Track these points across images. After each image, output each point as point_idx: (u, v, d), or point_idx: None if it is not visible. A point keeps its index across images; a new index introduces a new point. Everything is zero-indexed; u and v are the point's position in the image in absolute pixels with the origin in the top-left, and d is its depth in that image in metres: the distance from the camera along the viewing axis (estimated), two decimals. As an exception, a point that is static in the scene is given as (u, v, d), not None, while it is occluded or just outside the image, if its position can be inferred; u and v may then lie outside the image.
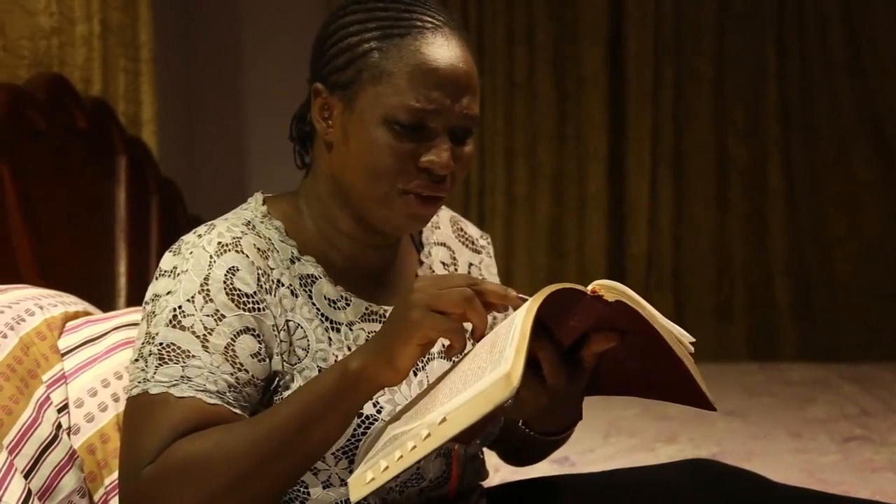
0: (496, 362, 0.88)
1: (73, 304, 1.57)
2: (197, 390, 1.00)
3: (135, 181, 2.48)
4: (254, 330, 1.04)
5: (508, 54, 4.58)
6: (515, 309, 0.94)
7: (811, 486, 2.15)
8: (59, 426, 1.33)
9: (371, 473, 0.92)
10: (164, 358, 1.02)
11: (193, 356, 1.01)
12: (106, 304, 2.06)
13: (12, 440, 1.26)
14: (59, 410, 1.35)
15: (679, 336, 1.00)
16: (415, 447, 0.89)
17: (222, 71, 4.18)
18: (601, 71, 4.57)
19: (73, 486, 1.30)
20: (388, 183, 1.07)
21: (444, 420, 0.88)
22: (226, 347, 1.02)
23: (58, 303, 1.51)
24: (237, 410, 1.01)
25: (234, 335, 1.03)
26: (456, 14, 4.31)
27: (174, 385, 1.00)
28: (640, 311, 0.95)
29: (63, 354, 1.41)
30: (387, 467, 0.90)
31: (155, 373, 1.01)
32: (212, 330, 1.02)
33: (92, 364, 1.42)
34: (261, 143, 4.14)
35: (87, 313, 1.56)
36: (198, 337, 1.02)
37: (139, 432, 1.00)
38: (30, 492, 1.25)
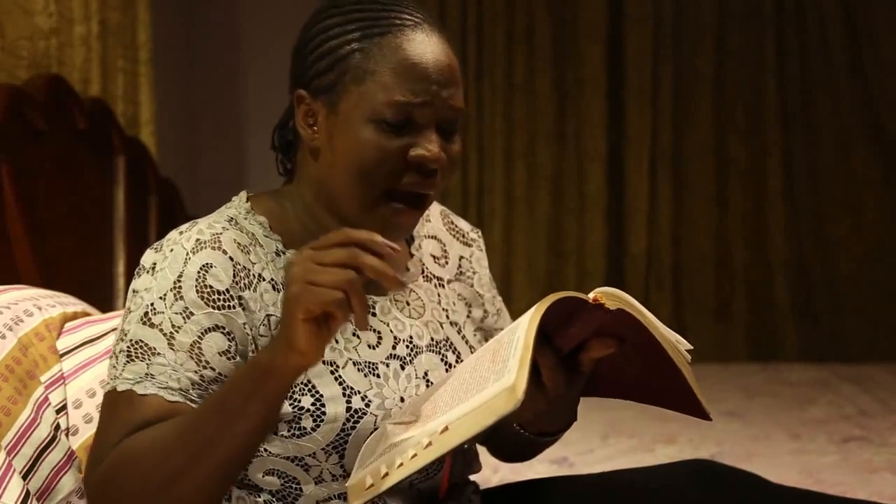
0: (499, 373, 0.88)
1: (72, 304, 1.57)
2: (159, 388, 1.01)
3: (133, 181, 2.48)
4: (223, 328, 1.04)
5: (508, 54, 4.58)
6: (383, 254, 0.90)
7: (810, 486, 2.15)
8: (58, 427, 1.33)
9: (371, 479, 0.91)
10: (131, 355, 1.03)
11: (159, 354, 1.02)
12: (104, 304, 2.06)
13: (11, 441, 1.26)
14: (58, 411, 1.35)
15: (677, 344, 1.00)
16: (415, 455, 0.89)
17: (221, 71, 4.18)
18: (600, 71, 4.57)
19: (71, 486, 1.30)
20: (375, 184, 1.06)
21: (445, 429, 0.88)
22: (191, 345, 1.02)
23: (56, 303, 1.51)
24: None
25: (202, 333, 1.03)
26: (448, 14, 4.37)
27: (138, 382, 1.01)
28: (640, 319, 0.96)
29: (62, 355, 1.41)
30: (386, 473, 0.90)
31: (123, 370, 1.03)
32: (179, 328, 1.03)
33: (90, 365, 1.42)
34: (259, 144, 4.12)
35: (85, 314, 1.56)
36: (165, 335, 1.02)
37: (103, 430, 1.02)
38: (28, 492, 1.25)
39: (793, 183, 4.55)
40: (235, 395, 0.95)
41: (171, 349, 1.02)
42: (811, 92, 4.51)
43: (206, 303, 1.03)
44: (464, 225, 1.32)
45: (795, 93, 4.53)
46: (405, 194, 1.08)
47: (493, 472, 2.16)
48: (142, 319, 1.04)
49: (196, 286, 1.04)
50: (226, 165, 4.15)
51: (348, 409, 1.06)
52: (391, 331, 1.14)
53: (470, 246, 1.30)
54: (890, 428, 2.94)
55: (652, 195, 4.61)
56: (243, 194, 1.17)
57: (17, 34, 2.23)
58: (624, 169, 4.64)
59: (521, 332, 0.89)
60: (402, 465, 0.89)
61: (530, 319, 0.90)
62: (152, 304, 1.04)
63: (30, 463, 1.27)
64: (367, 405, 1.06)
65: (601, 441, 2.81)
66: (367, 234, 0.91)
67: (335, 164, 1.08)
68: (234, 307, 1.05)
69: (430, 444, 0.88)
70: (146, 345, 1.03)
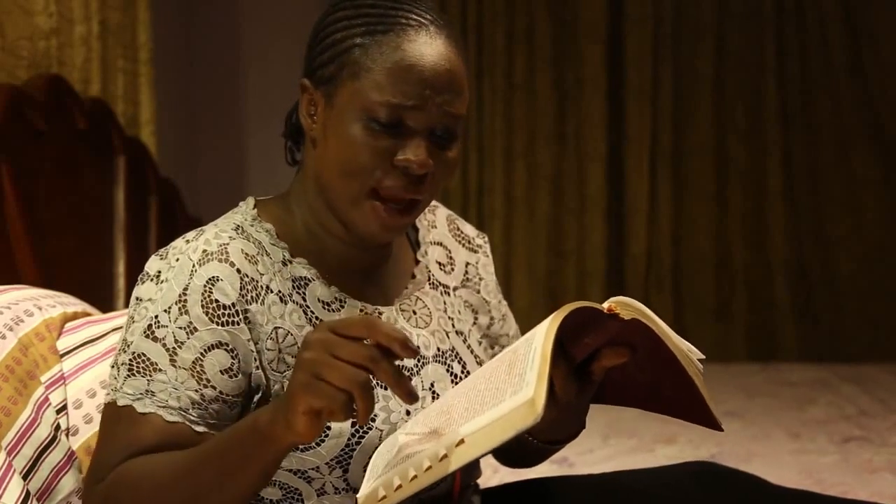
0: (517, 385, 0.87)
1: (72, 304, 1.56)
2: (158, 406, 1.00)
3: (134, 181, 2.48)
4: (227, 345, 1.03)
5: (508, 54, 4.58)
6: (402, 357, 0.85)
7: (810, 486, 2.15)
8: (58, 427, 1.33)
9: (383, 490, 0.90)
10: (132, 369, 1.02)
11: (160, 370, 1.01)
12: (104, 304, 2.06)
13: (11, 441, 1.26)
14: (58, 411, 1.35)
15: (689, 354, 1.00)
16: (430, 467, 0.88)
17: (221, 71, 4.18)
18: (600, 71, 4.57)
19: (71, 486, 1.30)
20: (360, 181, 1.05)
21: (461, 442, 0.87)
22: (193, 362, 1.01)
23: (56, 303, 1.51)
24: (200, 428, 1.01)
25: (205, 350, 1.02)
26: (448, 14, 4.37)
27: (138, 399, 1.01)
28: (654, 329, 0.95)
29: (62, 355, 1.41)
30: (399, 486, 0.89)
31: (123, 384, 1.02)
32: (182, 343, 1.02)
33: (91, 365, 1.41)
34: (260, 144, 4.13)
35: (85, 314, 1.56)
36: (167, 350, 1.02)
37: (103, 445, 1.02)
38: (28, 493, 1.25)
39: (793, 183, 4.55)
40: (234, 452, 0.94)
41: (173, 366, 1.01)
42: (811, 92, 4.51)
43: (210, 319, 1.02)
44: (470, 230, 1.31)
45: (795, 93, 4.53)
46: (390, 197, 1.06)
47: (493, 472, 2.16)
48: (145, 332, 1.03)
49: (202, 301, 1.03)
50: (226, 165, 4.15)
51: (353, 423, 1.05)
52: None
53: (476, 252, 1.29)
54: (890, 428, 2.94)
55: (652, 195, 4.60)
56: (251, 200, 1.16)
57: (17, 34, 2.23)
58: (624, 169, 4.63)
59: (538, 343, 0.88)
60: (416, 477, 0.88)
61: (547, 330, 0.89)
62: (156, 318, 1.03)
63: (30, 463, 1.27)
64: (373, 419, 1.06)
65: (601, 441, 2.80)
66: (391, 332, 0.85)
67: (327, 157, 1.08)
68: (238, 323, 1.04)
69: (445, 456, 0.87)
70: (148, 359, 1.02)
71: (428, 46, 1.06)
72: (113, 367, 1.05)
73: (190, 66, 4.02)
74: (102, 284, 2.34)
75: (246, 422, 0.95)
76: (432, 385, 1.13)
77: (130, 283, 2.37)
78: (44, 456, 1.29)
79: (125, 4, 2.71)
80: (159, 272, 1.06)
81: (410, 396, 0.86)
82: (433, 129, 1.06)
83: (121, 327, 1.49)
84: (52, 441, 1.31)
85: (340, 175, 1.06)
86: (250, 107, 4.17)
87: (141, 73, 2.77)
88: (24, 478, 1.25)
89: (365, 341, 0.86)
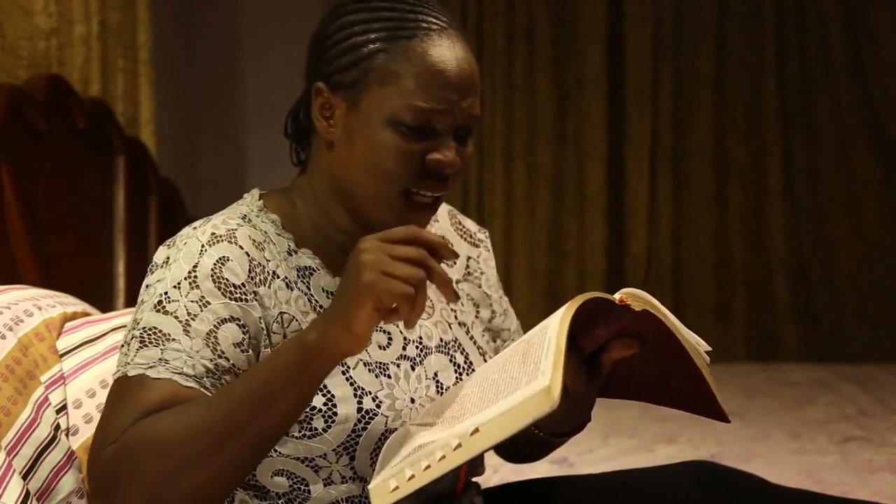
0: (531, 374, 0.87)
1: (72, 304, 1.57)
2: (173, 373, 0.99)
3: (133, 181, 2.49)
4: (239, 319, 1.03)
5: (508, 54, 4.58)
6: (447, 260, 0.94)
7: (810, 486, 2.15)
8: (58, 427, 1.33)
9: (395, 482, 0.90)
10: (144, 341, 1.01)
11: (174, 340, 1.01)
12: (104, 304, 2.06)
13: (11, 441, 1.26)
14: (58, 411, 1.35)
15: (697, 346, 1.00)
16: (443, 457, 0.88)
17: (221, 71, 4.18)
18: (600, 71, 4.56)
19: (71, 486, 1.30)
20: (392, 184, 1.08)
21: (476, 431, 0.87)
22: (208, 333, 1.02)
23: (56, 303, 1.51)
24: None
25: (218, 322, 1.02)
26: (454, 14, 4.37)
27: (151, 367, 1.00)
28: (664, 320, 0.96)
29: (62, 355, 1.41)
30: (412, 476, 0.89)
31: (135, 356, 1.01)
32: (195, 315, 1.02)
33: (90, 365, 1.42)
34: (259, 144, 4.13)
35: (85, 314, 1.56)
36: (180, 322, 1.01)
37: (111, 413, 1.00)
38: (28, 493, 1.25)
39: (793, 183, 4.55)
40: (277, 378, 0.94)
41: (187, 336, 1.01)
42: (811, 92, 4.51)
43: (222, 293, 1.03)
44: (471, 225, 1.32)
45: (795, 93, 4.52)
46: (419, 196, 1.09)
47: (493, 472, 2.16)
48: (155, 307, 1.03)
49: (212, 276, 1.03)
50: (226, 165, 4.15)
51: (359, 409, 1.06)
52: (401, 331, 1.14)
53: (477, 246, 1.31)
54: (890, 428, 2.94)
55: (652, 195, 4.60)
56: (255, 192, 1.17)
57: (17, 34, 2.23)
58: (624, 169, 4.63)
59: (553, 332, 0.89)
60: (428, 467, 0.88)
61: (561, 320, 0.89)
62: (166, 293, 1.03)
63: (30, 463, 1.27)
64: (378, 406, 1.07)
65: (601, 441, 2.80)
66: (437, 239, 0.93)
67: (352, 160, 1.09)
68: (249, 301, 1.05)
69: (459, 446, 0.87)
70: (160, 331, 1.01)
71: (451, 51, 1.08)
72: (122, 346, 1.04)
73: (190, 66, 4.03)
74: (102, 284, 2.34)
75: (287, 345, 0.95)
76: (436, 374, 1.14)
77: (130, 283, 2.37)
78: (44, 456, 1.29)
79: (125, 4, 2.71)
80: (167, 258, 1.07)
81: (455, 296, 0.93)
82: (456, 130, 1.09)
83: (121, 327, 1.49)
84: (51, 441, 1.31)
85: (370, 178, 1.09)
86: (250, 107, 4.17)
87: (141, 73, 2.77)
88: (24, 478, 1.25)
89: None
